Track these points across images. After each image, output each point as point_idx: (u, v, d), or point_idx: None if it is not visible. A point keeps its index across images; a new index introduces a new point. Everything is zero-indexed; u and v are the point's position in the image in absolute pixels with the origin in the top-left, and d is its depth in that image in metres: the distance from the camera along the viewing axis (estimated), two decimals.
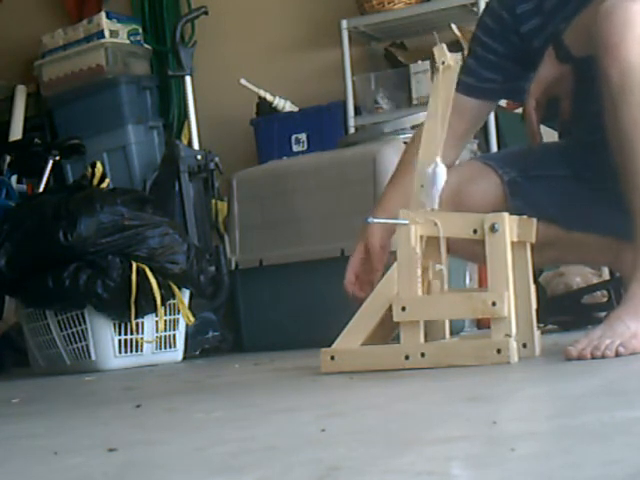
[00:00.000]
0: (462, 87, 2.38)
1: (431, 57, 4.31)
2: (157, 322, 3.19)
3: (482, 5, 4.12)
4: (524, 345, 2.08)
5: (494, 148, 4.05)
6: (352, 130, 4.33)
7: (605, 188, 2.24)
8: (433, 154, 2.06)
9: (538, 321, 2.17)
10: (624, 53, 1.95)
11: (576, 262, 3.09)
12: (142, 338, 3.17)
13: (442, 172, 2.06)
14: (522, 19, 2.32)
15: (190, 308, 3.26)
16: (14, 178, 4.60)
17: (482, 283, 3.56)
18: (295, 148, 4.42)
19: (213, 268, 3.45)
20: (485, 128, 4.06)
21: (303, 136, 4.44)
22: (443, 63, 2.12)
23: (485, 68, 2.38)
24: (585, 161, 2.31)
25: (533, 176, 2.34)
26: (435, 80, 2.14)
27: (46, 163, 4.23)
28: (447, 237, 2.10)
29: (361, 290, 2.28)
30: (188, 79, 4.12)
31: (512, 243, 2.04)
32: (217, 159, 3.89)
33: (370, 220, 2.15)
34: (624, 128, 1.97)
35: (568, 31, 2.14)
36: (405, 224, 2.05)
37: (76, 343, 3.14)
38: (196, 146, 4.05)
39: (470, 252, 2.19)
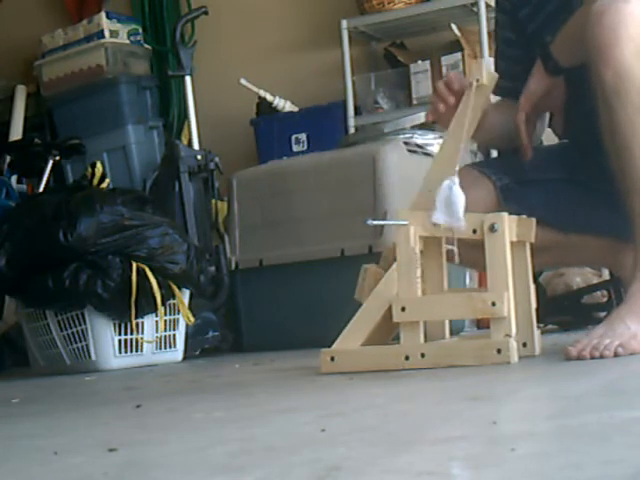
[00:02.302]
0: (502, 92, 2.37)
1: (431, 57, 4.32)
2: (157, 322, 3.19)
3: (482, 5, 4.12)
4: (524, 345, 2.09)
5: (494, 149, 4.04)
6: (352, 130, 4.33)
7: (601, 189, 2.24)
8: (448, 172, 2.06)
9: (538, 321, 2.17)
10: (618, 54, 1.94)
11: (575, 265, 3.09)
12: (142, 338, 3.17)
13: (459, 192, 2.04)
14: (518, 6, 2.34)
15: (190, 308, 3.26)
16: (14, 178, 4.61)
17: (482, 283, 3.56)
18: (295, 148, 4.43)
19: (213, 268, 3.45)
20: None
21: (303, 136, 4.44)
22: (477, 81, 2.10)
23: (511, 62, 2.38)
24: (580, 163, 2.31)
25: (528, 181, 2.33)
26: (465, 97, 2.12)
27: (46, 163, 4.23)
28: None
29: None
30: (188, 79, 4.12)
31: (512, 243, 2.04)
32: (217, 159, 3.89)
33: (369, 222, 2.15)
34: (620, 130, 1.97)
35: (556, 42, 2.13)
36: (405, 224, 2.05)
37: (76, 343, 3.14)
38: (196, 146, 4.05)
39: (468, 258, 2.19)
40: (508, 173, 2.33)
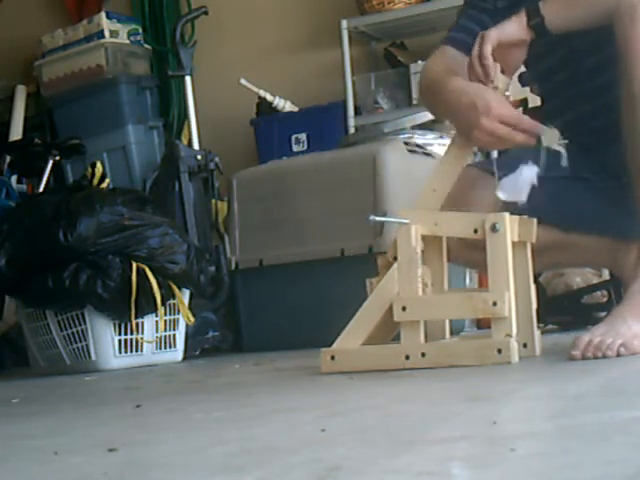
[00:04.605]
0: (452, 41, 2.37)
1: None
2: (157, 322, 3.19)
3: None
4: (524, 345, 2.09)
5: None
6: (352, 130, 4.33)
7: (603, 188, 2.23)
8: (456, 171, 2.08)
9: (538, 321, 2.17)
10: None
11: (575, 265, 3.08)
12: (142, 338, 3.17)
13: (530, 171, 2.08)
14: None
15: (190, 308, 3.26)
16: (14, 178, 4.61)
17: (482, 284, 3.56)
18: (295, 148, 4.42)
19: (213, 268, 3.44)
20: None
21: (303, 136, 4.44)
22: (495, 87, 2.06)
23: (473, 22, 2.37)
24: (582, 162, 2.30)
25: None
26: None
27: (46, 163, 4.23)
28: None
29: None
30: (188, 79, 4.12)
31: (512, 243, 2.04)
32: (217, 159, 3.89)
33: (371, 219, 2.15)
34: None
35: (549, 2, 2.01)
36: (405, 224, 2.05)
37: (76, 343, 3.14)
38: (196, 146, 4.05)
39: (467, 259, 2.19)
40: (512, 170, 2.32)
